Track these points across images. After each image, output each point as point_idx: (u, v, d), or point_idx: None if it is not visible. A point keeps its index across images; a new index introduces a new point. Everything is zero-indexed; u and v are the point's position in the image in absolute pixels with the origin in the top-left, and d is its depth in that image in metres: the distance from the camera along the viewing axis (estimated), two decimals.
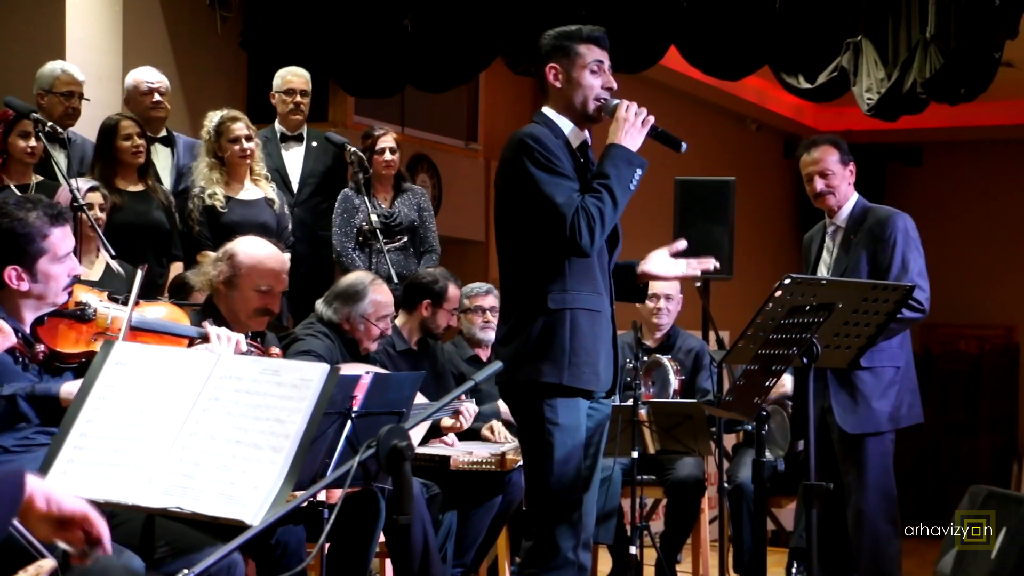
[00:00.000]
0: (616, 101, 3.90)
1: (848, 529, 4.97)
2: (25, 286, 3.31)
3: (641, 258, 4.11)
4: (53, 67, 6.15)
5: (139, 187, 5.89)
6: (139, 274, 3.70)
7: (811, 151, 5.11)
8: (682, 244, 4.09)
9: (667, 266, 4.08)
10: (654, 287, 6.23)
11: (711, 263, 4.12)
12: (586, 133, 3.99)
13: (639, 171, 3.85)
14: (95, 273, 5.32)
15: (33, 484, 2.14)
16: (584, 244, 3.75)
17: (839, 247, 5.07)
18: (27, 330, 3.36)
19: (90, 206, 5.27)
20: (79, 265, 3.47)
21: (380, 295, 5.18)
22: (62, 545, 2.21)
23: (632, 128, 3.85)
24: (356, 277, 5.25)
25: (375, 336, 5.20)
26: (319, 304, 5.19)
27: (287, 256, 4.75)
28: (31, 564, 2.40)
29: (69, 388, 3.23)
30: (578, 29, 3.93)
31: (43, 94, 6.07)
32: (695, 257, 4.15)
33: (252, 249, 4.38)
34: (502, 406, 5.60)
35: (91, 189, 5.40)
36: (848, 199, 5.10)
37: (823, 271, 5.11)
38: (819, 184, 5.06)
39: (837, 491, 4.79)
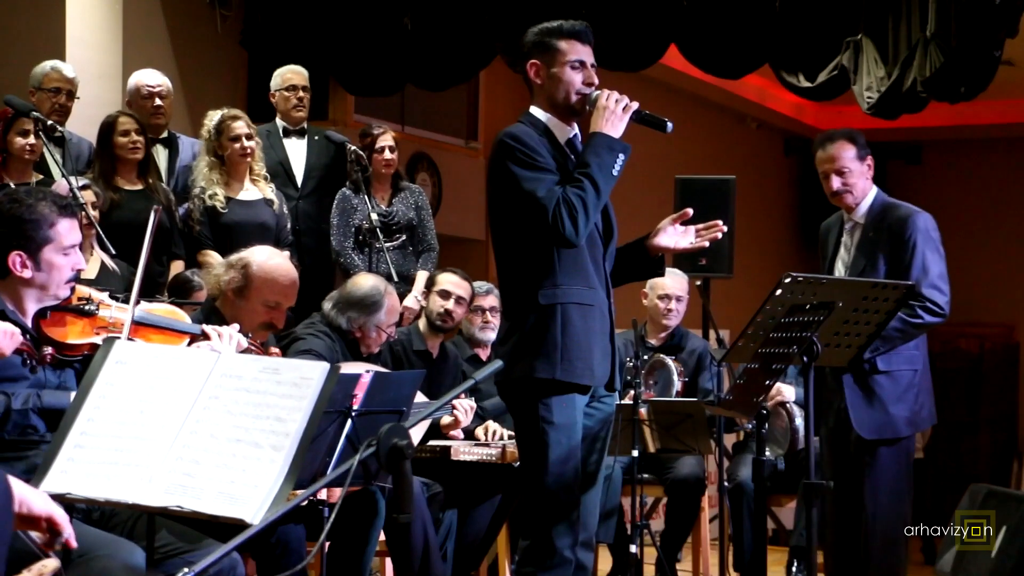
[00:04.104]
0: (597, 91, 3.90)
1: (862, 530, 4.91)
2: (28, 274, 3.31)
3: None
4: (44, 64, 6.18)
5: (138, 185, 5.89)
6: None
7: (826, 147, 4.92)
8: (689, 212, 4.07)
9: (676, 238, 4.06)
10: (665, 287, 6.23)
11: (718, 232, 4.09)
12: (575, 128, 3.99)
13: (622, 156, 3.84)
14: (91, 271, 5.32)
15: (12, 486, 2.35)
16: (568, 234, 3.75)
17: (857, 246, 4.93)
18: (28, 323, 3.36)
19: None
20: (82, 260, 3.48)
21: (393, 302, 5.21)
22: (33, 534, 2.50)
23: (613, 115, 3.84)
24: (371, 286, 5.21)
25: (383, 341, 5.23)
26: (328, 309, 5.17)
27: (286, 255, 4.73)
28: (35, 564, 2.41)
29: None
30: (559, 25, 3.93)
31: (33, 91, 6.10)
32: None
33: (267, 263, 4.37)
34: None
35: (83, 187, 5.39)
36: (866, 195, 4.93)
37: (840, 268, 4.98)
38: (835, 183, 4.88)
39: (848, 491, 4.76)
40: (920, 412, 4.89)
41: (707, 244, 4.11)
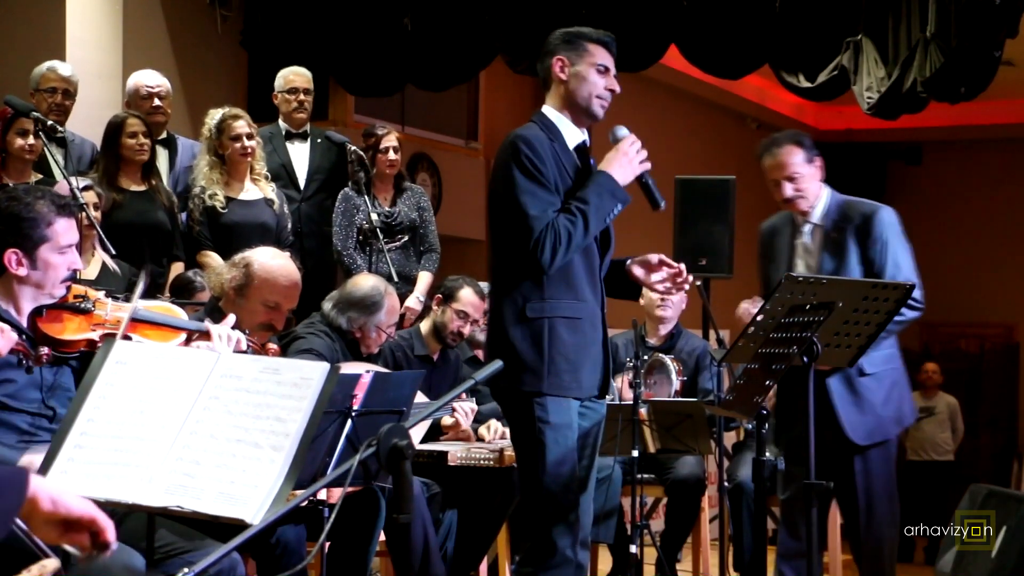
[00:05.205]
0: (625, 134, 3.93)
1: (858, 532, 4.88)
2: (24, 272, 3.32)
3: (639, 255, 4.11)
4: (42, 66, 6.18)
5: (142, 187, 5.89)
6: (142, 275, 3.70)
7: (773, 154, 4.72)
8: (681, 267, 4.06)
9: (651, 276, 4.05)
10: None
11: (684, 286, 4.10)
12: (585, 133, 3.99)
13: (619, 206, 3.88)
14: (91, 272, 5.32)
15: (38, 485, 2.10)
16: (544, 261, 3.76)
17: (822, 248, 4.77)
18: (24, 322, 3.36)
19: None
20: (79, 260, 3.48)
21: (393, 303, 5.21)
22: (68, 548, 2.19)
23: (628, 164, 3.89)
24: (371, 287, 5.20)
25: (383, 342, 5.22)
26: (328, 309, 5.17)
27: (295, 266, 4.70)
28: (35, 563, 2.40)
29: (29, 459, 3.17)
30: (589, 31, 3.96)
31: (33, 93, 6.10)
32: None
33: (268, 263, 4.36)
34: None
35: (85, 188, 5.39)
36: (819, 196, 4.76)
37: (801, 272, 4.78)
38: (788, 190, 4.70)
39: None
40: (902, 408, 4.83)
41: (669, 296, 4.12)
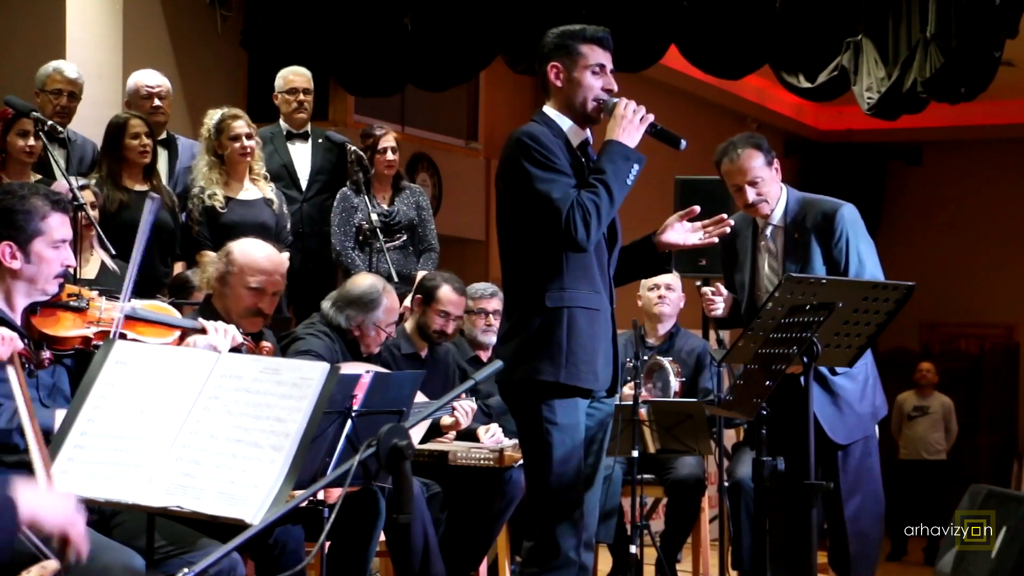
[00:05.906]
0: (615, 100, 3.91)
1: (843, 532, 4.88)
2: (17, 264, 3.32)
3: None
4: (47, 66, 6.16)
5: (145, 187, 5.88)
6: (147, 202, 3.74)
7: (734, 158, 4.67)
8: (696, 209, 4.07)
9: (684, 235, 4.08)
10: (653, 278, 6.23)
11: (726, 227, 4.09)
12: (587, 132, 4.00)
13: (636, 166, 3.85)
14: (90, 271, 5.32)
15: (21, 504, 2.32)
16: (580, 238, 3.75)
17: (784, 250, 4.75)
18: (18, 320, 3.36)
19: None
20: (72, 256, 3.49)
21: (391, 301, 5.21)
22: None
23: (630, 125, 3.86)
24: (369, 284, 5.21)
25: (382, 341, 5.22)
26: (327, 308, 5.17)
27: (285, 256, 4.72)
28: (35, 565, 2.41)
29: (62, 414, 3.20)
30: (582, 29, 3.94)
31: (38, 93, 6.09)
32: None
33: (247, 248, 4.43)
34: None
35: (82, 187, 5.39)
36: (779, 198, 4.74)
37: (767, 274, 4.82)
38: (751, 194, 4.67)
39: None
40: (875, 402, 4.83)
41: (716, 240, 4.12)
